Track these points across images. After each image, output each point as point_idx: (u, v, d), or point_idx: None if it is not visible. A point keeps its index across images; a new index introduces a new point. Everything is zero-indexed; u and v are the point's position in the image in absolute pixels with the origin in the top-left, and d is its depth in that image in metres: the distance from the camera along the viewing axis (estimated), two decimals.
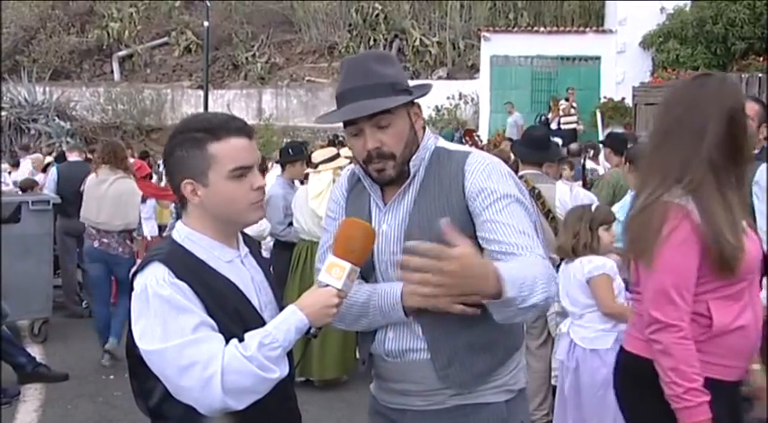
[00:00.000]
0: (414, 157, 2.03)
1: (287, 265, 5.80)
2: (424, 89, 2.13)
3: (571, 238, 3.65)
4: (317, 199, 5.59)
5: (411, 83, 2.10)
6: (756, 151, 3.68)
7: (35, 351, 6.32)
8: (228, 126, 1.84)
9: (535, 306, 1.80)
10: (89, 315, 7.86)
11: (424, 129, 2.11)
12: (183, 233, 1.88)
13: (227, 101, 23.03)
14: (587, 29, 20.04)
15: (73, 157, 8.74)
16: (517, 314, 1.80)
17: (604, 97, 18.14)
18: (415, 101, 2.06)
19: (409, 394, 2.06)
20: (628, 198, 4.62)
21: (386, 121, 1.97)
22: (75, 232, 7.93)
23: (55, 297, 7.33)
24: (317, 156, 5.90)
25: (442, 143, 2.11)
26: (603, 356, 3.45)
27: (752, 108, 3.75)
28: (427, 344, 2.00)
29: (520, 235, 1.90)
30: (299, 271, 5.71)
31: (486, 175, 1.97)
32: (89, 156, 9.14)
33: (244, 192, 1.85)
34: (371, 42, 23.23)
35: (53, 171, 8.61)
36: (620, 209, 4.51)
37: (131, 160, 9.70)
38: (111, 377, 5.87)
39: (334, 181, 5.71)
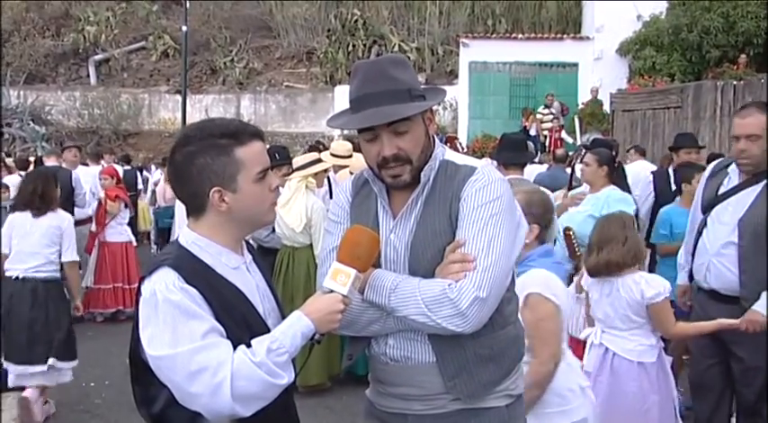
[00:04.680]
0: (426, 165, 2.03)
1: (269, 270, 5.77)
2: (439, 95, 2.13)
3: (625, 248, 3.42)
4: (285, 207, 5.54)
5: (422, 87, 2.10)
6: None
7: None
8: (247, 130, 1.87)
9: (414, 321, 1.90)
10: None
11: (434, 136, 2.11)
12: (190, 238, 1.86)
13: (206, 106, 22.92)
14: (565, 36, 20.23)
15: (50, 161, 8.67)
16: (413, 324, 1.92)
17: (582, 103, 18.30)
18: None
19: (410, 399, 2.05)
20: (601, 195, 4.81)
21: (404, 128, 1.97)
22: None
23: None
24: (297, 161, 5.88)
25: (450, 155, 2.09)
26: (650, 370, 3.43)
27: (757, 125, 3.53)
28: (435, 353, 1.99)
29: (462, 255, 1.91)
30: (281, 277, 5.69)
31: (478, 189, 1.97)
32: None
33: (266, 193, 1.89)
34: (350, 48, 23.25)
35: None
36: (593, 205, 4.66)
37: (101, 166, 9.69)
38: (92, 385, 5.81)
39: (307, 187, 5.67)
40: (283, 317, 1.88)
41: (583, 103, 18.20)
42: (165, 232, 11.15)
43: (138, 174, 13.47)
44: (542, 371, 2.66)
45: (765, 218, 3.44)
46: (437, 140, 2.12)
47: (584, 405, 2.85)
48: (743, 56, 15.92)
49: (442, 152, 2.09)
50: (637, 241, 3.53)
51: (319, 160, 5.92)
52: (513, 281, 2.13)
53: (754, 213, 3.49)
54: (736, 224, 3.53)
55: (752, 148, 3.52)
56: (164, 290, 1.72)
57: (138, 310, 1.78)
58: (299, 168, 5.72)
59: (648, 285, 3.39)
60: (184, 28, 19.66)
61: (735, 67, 15.81)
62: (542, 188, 4.93)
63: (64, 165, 9.03)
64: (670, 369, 3.58)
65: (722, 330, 3.60)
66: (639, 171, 7.14)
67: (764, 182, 3.51)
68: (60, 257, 5.15)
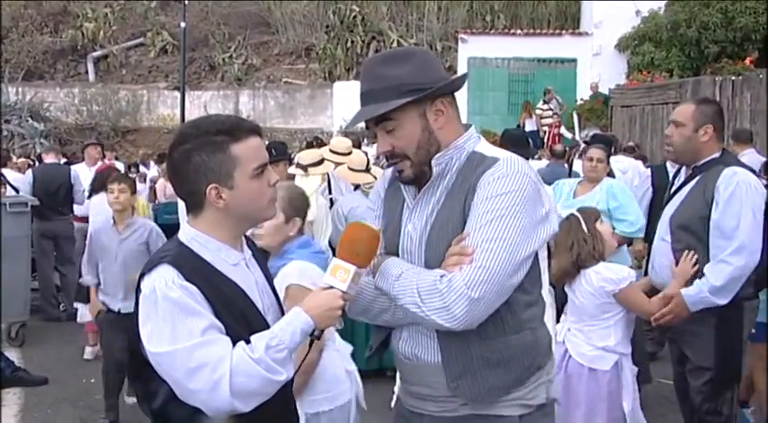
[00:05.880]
0: (437, 155, 1.96)
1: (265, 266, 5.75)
2: (450, 82, 2.00)
3: (572, 253, 3.40)
4: None
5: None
6: (707, 159, 3.48)
7: (12, 355, 6.22)
8: (243, 126, 1.85)
9: (408, 310, 1.87)
10: (67, 318, 7.80)
11: (465, 126, 2.04)
12: (190, 235, 1.87)
13: (204, 102, 22.90)
14: (563, 31, 20.25)
15: (49, 158, 8.65)
16: (409, 314, 1.89)
17: (581, 99, 18.31)
18: (440, 97, 1.98)
19: (424, 398, 2.04)
20: (600, 189, 5.01)
21: (391, 125, 1.94)
22: (51, 234, 7.86)
23: (32, 300, 7.23)
24: (305, 158, 5.83)
25: (482, 147, 2.01)
26: (601, 378, 3.38)
27: (683, 113, 3.56)
28: (441, 351, 1.96)
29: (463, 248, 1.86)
30: None
31: (493, 179, 1.88)
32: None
33: (264, 188, 1.87)
34: (349, 44, 23.22)
35: (28, 173, 8.52)
36: (599, 200, 4.83)
37: (101, 163, 9.63)
38: (92, 381, 5.80)
39: (320, 185, 5.69)
40: (283, 313, 1.88)
41: (582, 100, 18.22)
42: (164, 228, 11.10)
43: (127, 170, 13.42)
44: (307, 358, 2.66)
45: (692, 211, 3.44)
46: (469, 131, 2.03)
47: (351, 389, 2.98)
48: (754, 54, 15.91)
49: (475, 143, 2.01)
50: (590, 238, 3.45)
51: (323, 160, 5.89)
52: (538, 283, 2.02)
53: (682, 208, 3.51)
54: (668, 220, 3.56)
55: (674, 134, 3.55)
56: (163, 287, 1.72)
57: (137, 306, 1.79)
58: (312, 165, 5.69)
59: (610, 272, 3.38)
60: (183, 24, 19.65)
61: (738, 62, 15.78)
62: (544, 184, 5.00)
63: (86, 161, 9.12)
64: (631, 380, 3.46)
65: (676, 334, 3.64)
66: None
67: (698, 177, 3.48)
68: None
